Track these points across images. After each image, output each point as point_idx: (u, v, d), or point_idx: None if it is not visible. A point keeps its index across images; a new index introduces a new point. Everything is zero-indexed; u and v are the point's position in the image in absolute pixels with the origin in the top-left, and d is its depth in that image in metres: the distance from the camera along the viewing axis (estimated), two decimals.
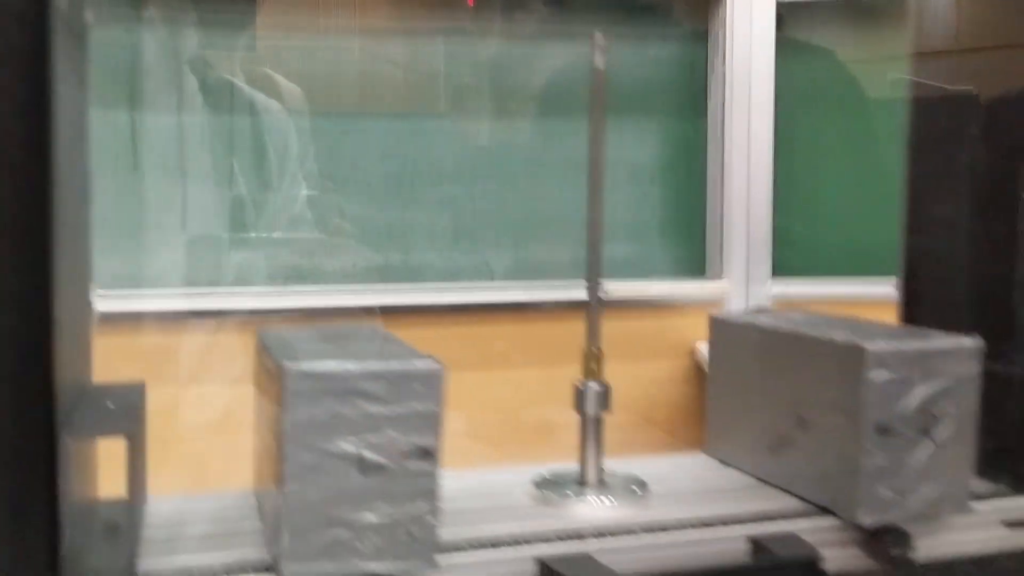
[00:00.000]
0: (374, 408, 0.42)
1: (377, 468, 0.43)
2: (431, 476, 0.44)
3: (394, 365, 0.42)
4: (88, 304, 0.52)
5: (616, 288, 2.99)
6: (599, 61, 0.55)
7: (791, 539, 0.48)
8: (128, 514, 0.47)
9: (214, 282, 1.96)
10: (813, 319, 0.59)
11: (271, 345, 0.47)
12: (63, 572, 0.40)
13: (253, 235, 2.31)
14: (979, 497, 0.55)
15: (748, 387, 0.60)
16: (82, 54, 0.49)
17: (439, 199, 2.63)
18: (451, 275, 2.72)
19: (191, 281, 2.07)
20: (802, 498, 0.55)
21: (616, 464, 0.58)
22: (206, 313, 1.87)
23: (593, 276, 0.56)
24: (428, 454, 0.43)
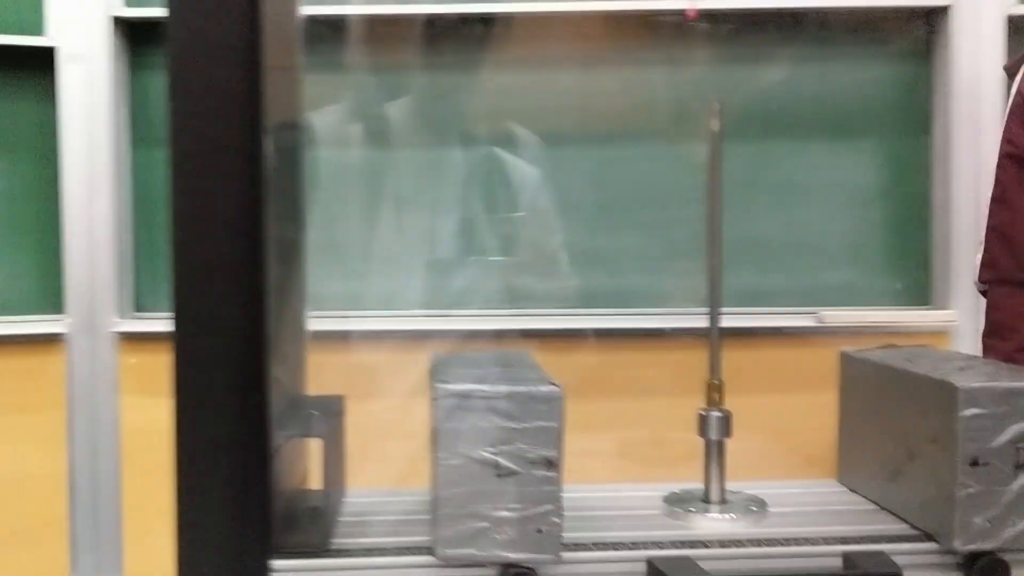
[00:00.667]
0: (506, 423, 0.52)
1: (510, 473, 0.53)
2: (554, 482, 0.53)
3: (521, 388, 0.52)
4: (302, 325, 0.66)
5: (833, 316, 2.92)
6: (715, 125, 0.63)
7: (879, 556, 0.54)
8: (326, 501, 0.59)
9: (430, 304, 2.17)
10: (930, 355, 0.64)
11: (436, 365, 0.58)
12: (274, 543, 0.53)
13: (466, 259, 2.50)
14: None
15: (870, 419, 0.65)
16: (295, 92, 0.62)
17: (653, 223, 2.72)
18: (660, 300, 2.78)
19: (410, 304, 2.30)
20: (911, 524, 0.60)
21: (757, 487, 0.65)
22: (420, 333, 2.08)
23: (714, 306, 0.64)
24: (551, 464, 0.53)
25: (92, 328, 2.56)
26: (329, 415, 0.60)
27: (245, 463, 0.51)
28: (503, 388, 0.52)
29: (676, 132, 2.63)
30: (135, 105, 2.50)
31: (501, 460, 0.53)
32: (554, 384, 0.53)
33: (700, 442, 0.67)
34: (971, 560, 0.56)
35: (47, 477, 2.60)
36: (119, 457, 2.62)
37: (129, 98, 2.49)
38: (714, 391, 0.63)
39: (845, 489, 0.68)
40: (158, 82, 2.52)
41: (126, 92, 2.44)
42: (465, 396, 0.52)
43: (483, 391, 0.52)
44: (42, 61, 2.23)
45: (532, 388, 0.52)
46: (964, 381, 0.55)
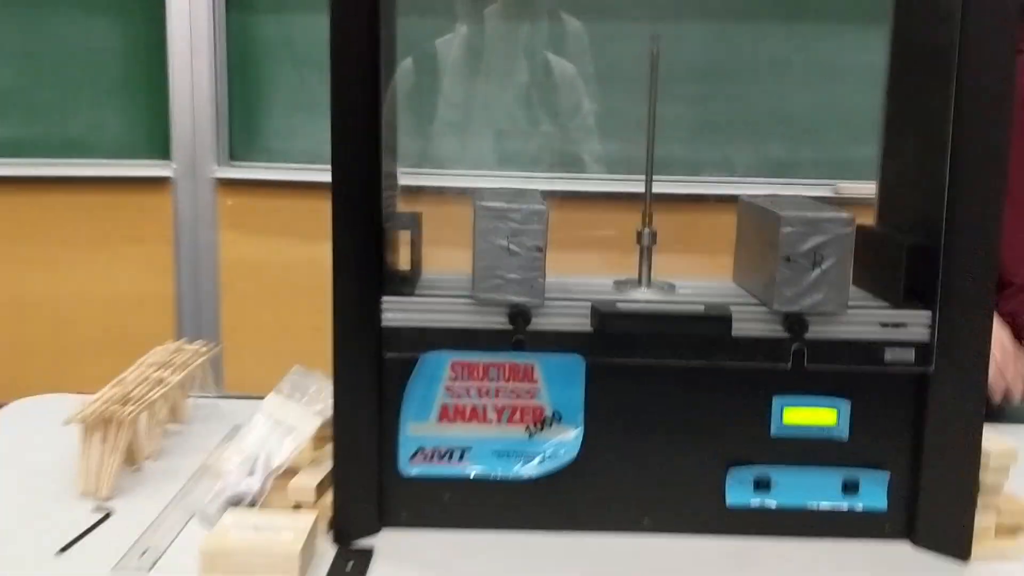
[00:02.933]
0: (514, 225, 0.92)
1: (516, 254, 0.93)
2: (541, 260, 0.94)
3: (524, 207, 0.92)
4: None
5: (848, 187, 3.31)
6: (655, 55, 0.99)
7: (723, 308, 0.94)
8: (412, 271, 1.01)
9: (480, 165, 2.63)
10: (789, 199, 1.02)
11: (477, 193, 0.98)
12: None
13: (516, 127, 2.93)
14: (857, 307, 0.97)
15: (745, 235, 1.04)
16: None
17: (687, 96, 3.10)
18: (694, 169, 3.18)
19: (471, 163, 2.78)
20: (757, 297, 1.00)
21: (675, 278, 1.05)
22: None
23: (648, 172, 1.02)
24: (539, 249, 0.93)
25: (194, 173, 3.02)
26: (414, 219, 1.01)
27: (369, 240, 0.92)
28: (515, 206, 0.92)
29: (706, 11, 2.93)
30: None
31: (512, 246, 0.93)
32: (543, 205, 0.93)
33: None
34: (785, 316, 0.96)
35: (158, 298, 3.12)
36: (218, 285, 3.12)
37: None
38: (646, 215, 1.02)
39: (734, 285, 1.08)
40: None
41: None
42: (492, 210, 0.92)
43: (503, 207, 0.92)
44: None
45: (530, 207, 0.92)
46: (786, 212, 0.93)
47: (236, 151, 2.98)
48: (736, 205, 1.07)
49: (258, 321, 3.01)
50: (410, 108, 2.67)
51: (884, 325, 0.97)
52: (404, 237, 0.99)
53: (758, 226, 0.99)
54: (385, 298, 0.94)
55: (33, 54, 2.83)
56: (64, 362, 2.91)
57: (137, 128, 2.97)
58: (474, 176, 2.75)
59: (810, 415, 0.98)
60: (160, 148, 2.95)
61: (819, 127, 2.98)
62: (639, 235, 1.02)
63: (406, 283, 0.98)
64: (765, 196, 1.04)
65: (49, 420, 1.10)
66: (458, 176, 2.76)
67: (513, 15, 2.76)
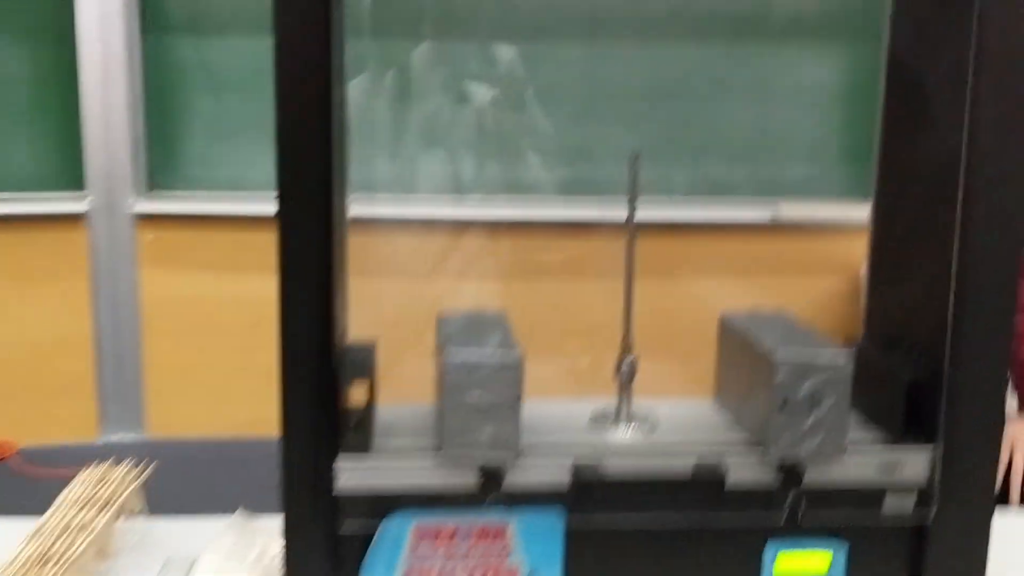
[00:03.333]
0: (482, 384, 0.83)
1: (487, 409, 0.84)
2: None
3: (490, 360, 0.82)
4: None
5: (788, 209, 3.29)
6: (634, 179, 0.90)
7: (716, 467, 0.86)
8: (367, 415, 0.90)
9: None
10: (776, 322, 0.94)
11: (441, 325, 0.88)
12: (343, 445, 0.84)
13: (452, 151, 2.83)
14: (856, 446, 0.90)
15: (733, 357, 0.96)
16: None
17: (626, 118, 3.03)
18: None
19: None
20: (752, 436, 0.92)
21: (657, 404, 0.96)
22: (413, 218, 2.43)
23: (629, 277, 0.93)
24: (515, 402, 0.84)
25: (111, 206, 2.84)
26: (368, 356, 0.90)
27: (322, 394, 0.82)
28: (486, 359, 0.82)
29: (644, 31, 2.87)
30: None
31: (483, 402, 0.83)
32: (516, 351, 0.84)
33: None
34: (781, 464, 0.88)
35: (75, 340, 2.94)
36: (139, 324, 2.95)
37: None
38: (625, 345, 0.93)
39: (718, 409, 1.00)
40: None
41: None
42: (462, 363, 0.82)
43: (474, 360, 0.82)
44: None
45: (503, 359, 0.83)
46: (781, 352, 0.85)
47: (155, 180, 2.82)
48: (718, 324, 0.99)
49: (182, 360, 2.87)
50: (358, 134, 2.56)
51: (883, 465, 0.90)
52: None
53: (747, 360, 0.91)
54: (340, 462, 0.84)
55: None
56: None
57: (48, 160, 2.79)
58: (419, 202, 2.65)
59: (804, 561, 0.90)
60: (74, 180, 2.77)
61: (757, 147, 2.95)
62: (618, 366, 0.93)
63: (361, 431, 0.88)
64: (748, 316, 0.96)
65: None
66: (408, 202, 2.65)
67: (448, 47, 2.65)
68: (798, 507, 0.89)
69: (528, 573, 0.89)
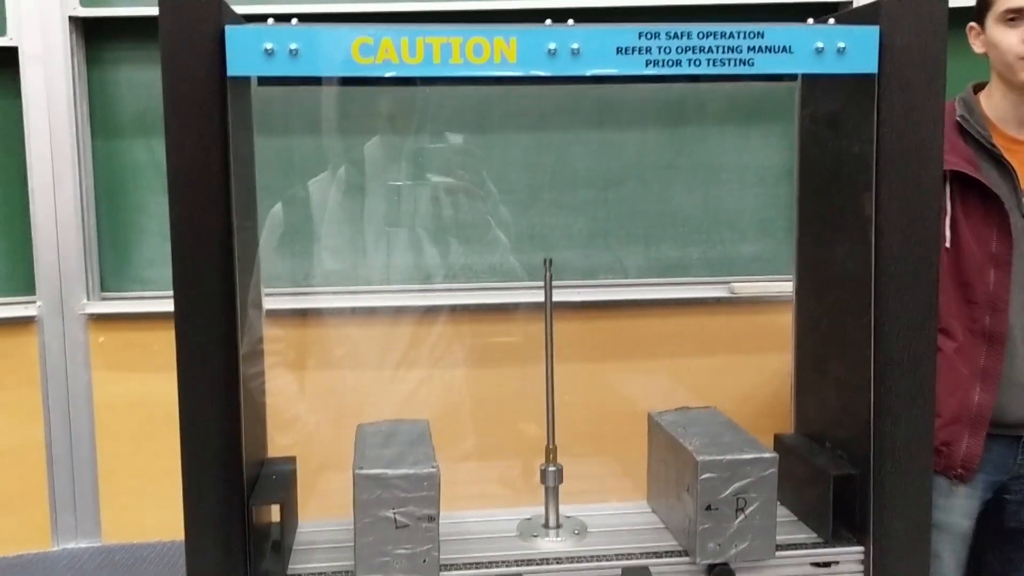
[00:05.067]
0: (402, 494, 0.80)
1: (404, 526, 0.81)
2: (434, 531, 0.81)
3: (412, 471, 0.80)
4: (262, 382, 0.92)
5: (743, 287, 3.31)
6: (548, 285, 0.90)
7: (643, 571, 0.83)
8: (282, 536, 0.87)
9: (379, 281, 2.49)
10: (703, 421, 0.92)
11: (359, 440, 0.85)
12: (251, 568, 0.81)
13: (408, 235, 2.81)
14: (785, 548, 0.88)
15: (663, 459, 0.94)
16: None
17: (577, 204, 3.04)
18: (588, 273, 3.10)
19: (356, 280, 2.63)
20: (679, 543, 0.90)
21: (585, 511, 0.94)
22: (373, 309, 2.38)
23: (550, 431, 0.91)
24: (431, 519, 0.81)
25: (61, 310, 2.80)
26: (285, 480, 0.88)
27: (229, 502, 0.79)
28: (400, 472, 0.80)
29: (590, 120, 2.91)
30: (93, 98, 2.70)
31: (399, 518, 0.81)
32: (433, 466, 0.81)
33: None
34: (710, 569, 0.86)
35: (26, 448, 2.86)
36: (93, 428, 2.88)
37: (87, 92, 2.68)
38: (550, 452, 0.91)
39: (650, 510, 0.98)
40: (114, 76, 2.72)
41: (84, 87, 2.64)
42: (375, 478, 0.80)
43: (387, 475, 0.80)
44: (5, 60, 2.42)
45: (418, 471, 0.80)
46: (704, 455, 0.84)
47: (107, 283, 2.79)
48: (647, 422, 0.98)
49: (137, 464, 2.80)
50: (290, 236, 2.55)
51: (816, 565, 0.88)
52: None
53: (673, 459, 0.90)
54: None
55: None
56: None
57: None
58: (362, 293, 2.63)
59: None
60: (23, 285, 2.73)
61: (707, 226, 2.97)
62: (543, 474, 0.92)
63: (276, 559, 0.85)
64: (676, 414, 0.95)
65: None
66: (344, 294, 2.63)
67: (394, 143, 2.67)
68: None
69: None
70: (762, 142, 2.93)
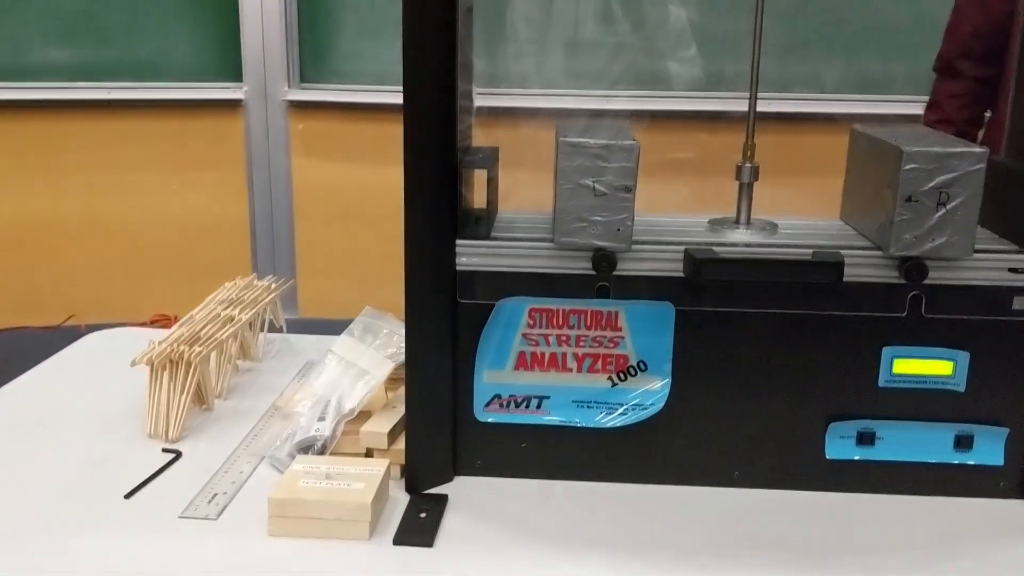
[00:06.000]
0: (601, 163, 0.84)
1: (602, 194, 0.85)
2: (629, 201, 0.85)
3: (612, 141, 0.84)
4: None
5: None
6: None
7: (835, 253, 0.85)
8: (488, 215, 0.93)
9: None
10: (908, 130, 0.91)
11: (560, 126, 0.89)
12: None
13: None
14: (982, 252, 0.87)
15: (860, 172, 0.94)
16: None
17: (775, 10, 2.95)
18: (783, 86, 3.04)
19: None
20: (871, 240, 0.90)
21: (778, 218, 0.95)
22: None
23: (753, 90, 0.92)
24: (628, 189, 0.85)
25: (265, 95, 2.97)
26: (491, 156, 0.93)
27: (443, 180, 0.85)
28: (602, 141, 0.84)
29: None
30: None
31: (598, 187, 0.85)
32: (632, 140, 0.84)
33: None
34: (903, 262, 0.86)
35: (233, 223, 3.11)
36: (292, 210, 3.09)
37: None
38: (747, 149, 0.93)
39: (843, 223, 0.98)
40: None
41: None
42: (576, 145, 0.84)
43: (589, 143, 0.84)
44: None
45: (619, 142, 0.84)
46: (909, 146, 0.83)
47: (306, 73, 2.92)
48: (848, 136, 0.97)
49: (331, 247, 2.99)
50: (482, 26, 2.57)
51: (1013, 271, 0.86)
52: (481, 175, 0.91)
53: (875, 161, 0.89)
54: (460, 242, 0.87)
55: None
56: (140, 286, 2.93)
57: (207, 50, 2.92)
58: (552, 96, 2.65)
59: (923, 365, 0.89)
60: (231, 70, 2.90)
61: (914, 41, 2.79)
62: (739, 170, 0.93)
63: (482, 224, 0.91)
64: (881, 127, 0.94)
65: (120, 357, 1.07)
66: (535, 96, 2.65)
67: None
68: (920, 306, 0.87)
69: (637, 363, 0.91)
70: None
